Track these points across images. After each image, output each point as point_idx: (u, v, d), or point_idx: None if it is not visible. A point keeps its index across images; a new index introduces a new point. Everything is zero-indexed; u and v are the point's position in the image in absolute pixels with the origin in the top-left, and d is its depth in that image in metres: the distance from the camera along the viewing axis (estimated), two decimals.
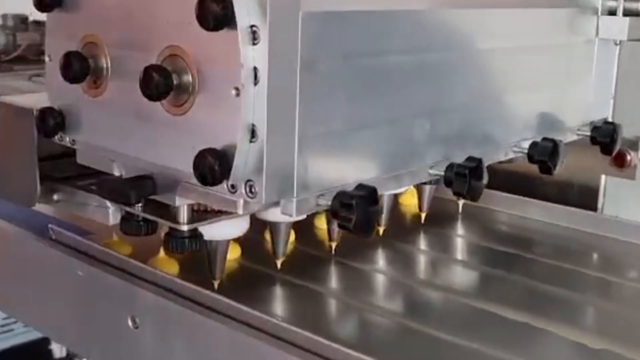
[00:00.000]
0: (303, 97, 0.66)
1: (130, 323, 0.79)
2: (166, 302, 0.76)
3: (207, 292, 0.75)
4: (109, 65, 0.74)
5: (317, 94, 0.68)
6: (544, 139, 0.92)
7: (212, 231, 0.79)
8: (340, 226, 0.68)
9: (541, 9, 0.99)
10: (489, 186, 1.16)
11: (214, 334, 0.73)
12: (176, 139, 0.68)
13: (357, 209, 0.66)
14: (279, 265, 0.88)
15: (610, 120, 1.13)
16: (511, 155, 0.93)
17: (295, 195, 0.67)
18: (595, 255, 1.07)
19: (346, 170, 0.72)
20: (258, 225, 0.86)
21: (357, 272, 0.93)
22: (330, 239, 0.94)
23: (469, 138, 0.88)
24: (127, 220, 0.79)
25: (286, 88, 0.65)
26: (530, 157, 0.92)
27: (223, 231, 0.80)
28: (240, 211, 0.67)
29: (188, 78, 0.67)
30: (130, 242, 0.91)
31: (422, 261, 1.04)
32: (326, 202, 0.68)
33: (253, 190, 0.66)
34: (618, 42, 1.05)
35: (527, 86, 0.98)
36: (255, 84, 0.63)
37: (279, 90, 0.64)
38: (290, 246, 0.93)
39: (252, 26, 0.63)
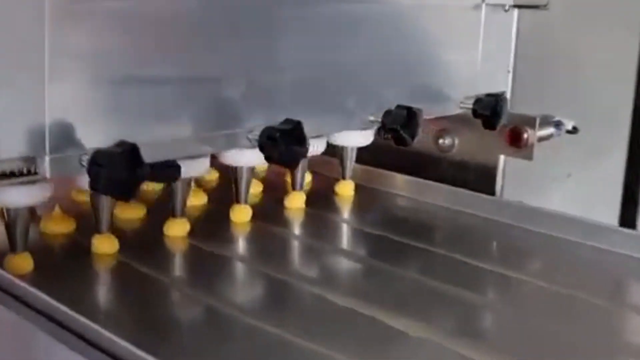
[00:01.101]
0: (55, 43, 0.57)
1: None
2: None
3: None
4: None
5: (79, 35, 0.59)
6: (398, 106, 0.82)
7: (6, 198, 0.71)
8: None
9: None
10: (385, 166, 1.10)
11: None
12: None
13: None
14: None
15: (506, 95, 1.03)
16: (364, 126, 0.84)
17: (47, 152, 0.59)
18: (492, 245, 0.95)
19: (122, 128, 0.63)
20: None
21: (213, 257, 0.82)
22: None
23: (305, 103, 0.78)
24: None
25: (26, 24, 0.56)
26: (383, 125, 0.82)
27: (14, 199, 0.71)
28: None
29: None
30: None
31: (293, 249, 0.92)
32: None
33: None
34: (507, 8, 0.95)
35: (393, 51, 0.89)
36: None
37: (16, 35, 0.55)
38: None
39: None
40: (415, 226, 0.97)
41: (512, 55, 1.03)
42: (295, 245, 0.92)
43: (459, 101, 0.97)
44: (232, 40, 0.70)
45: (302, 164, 0.97)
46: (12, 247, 0.75)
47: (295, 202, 1.00)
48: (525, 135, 1.02)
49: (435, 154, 1.11)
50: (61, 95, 0.59)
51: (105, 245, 0.78)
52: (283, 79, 0.76)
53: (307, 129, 0.75)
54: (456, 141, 1.10)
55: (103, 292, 0.75)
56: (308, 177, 1.10)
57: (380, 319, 0.67)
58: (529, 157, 1.03)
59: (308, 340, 0.62)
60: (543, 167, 1.18)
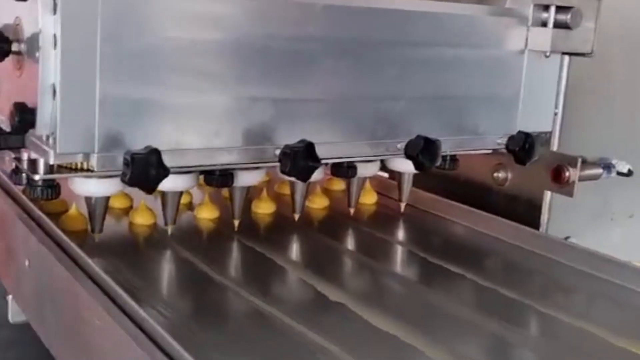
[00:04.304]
0: (106, 65, 0.76)
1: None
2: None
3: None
4: None
5: (123, 63, 0.77)
6: (418, 136, 0.95)
7: (83, 187, 0.91)
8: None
9: (466, 15, 1.01)
10: (447, 193, 1.21)
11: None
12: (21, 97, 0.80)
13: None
14: None
15: (555, 135, 1.12)
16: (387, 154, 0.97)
17: (96, 150, 0.77)
18: (532, 279, 1.03)
19: (159, 135, 0.81)
20: None
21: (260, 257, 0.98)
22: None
23: (335, 128, 0.93)
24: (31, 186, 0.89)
25: (84, 55, 0.75)
26: (405, 152, 0.95)
27: (92, 188, 0.91)
28: (51, 160, 0.78)
29: (20, 45, 0.79)
30: None
31: (342, 261, 1.05)
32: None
33: (55, 141, 0.76)
34: (548, 54, 1.04)
35: (438, 91, 1.01)
36: (55, 49, 0.74)
37: (75, 56, 0.75)
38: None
39: None
40: (460, 252, 1.07)
41: (561, 97, 1.11)
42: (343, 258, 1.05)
43: (497, 138, 1.06)
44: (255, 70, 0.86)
45: (357, 184, 1.11)
46: (92, 229, 0.94)
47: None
48: (566, 174, 1.09)
49: (492, 186, 1.21)
50: (116, 108, 0.77)
51: None
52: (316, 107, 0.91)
53: (348, 152, 0.93)
54: (509, 175, 1.19)
55: None
56: (375, 197, 1.24)
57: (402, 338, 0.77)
58: (570, 194, 1.10)
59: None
60: (603, 206, 1.24)
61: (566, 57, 1.10)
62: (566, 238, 1.17)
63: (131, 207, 1.12)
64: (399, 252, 1.09)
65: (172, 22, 0.80)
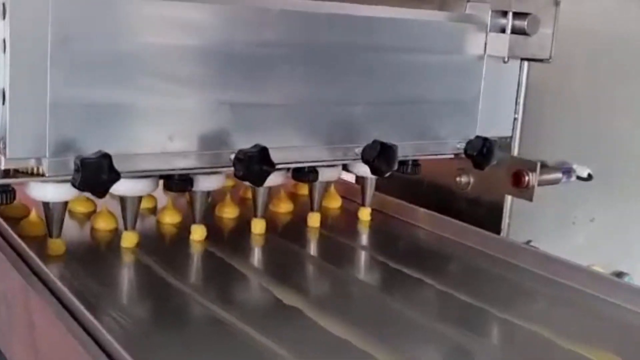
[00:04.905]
0: (56, 70, 0.75)
1: None
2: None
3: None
4: None
5: (74, 68, 0.77)
6: (374, 141, 0.95)
7: (39, 192, 0.90)
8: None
9: (425, 21, 1.02)
10: (410, 197, 1.21)
11: None
12: None
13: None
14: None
15: (515, 140, 1.13)
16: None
17: (47, 155, 0.77)
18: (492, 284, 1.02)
19: (112, 139, 0.80)
20: None
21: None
22: None
23: (292, 132, 0.93)
24: None
25: (34, 60, 0.75)
26: (362, 157, 0.95)
27: (48, 194, 0.90)
28: (2, 165, 0.78)
29: None
30: None
31: (301, 266, 1.04)
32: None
33: (5, 146, 0.76)
34: (506, 59, 1.05)
35: (396, 96, 1.02)
36: (5, 53, 0.74)
37: (24, 60, 0.74)
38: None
39: (3, 3, 0.73)
40: (421, 257, 1.07)
41: (521, 102, 1.12)
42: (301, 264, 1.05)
43: (457, 143, 1.06)
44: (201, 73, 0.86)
45: (319, 188, 1.12)
46: (50, 234, 0.94)
47: (313, 221, 1.13)
48: (526, 178, 1.10)
49: (455, 190, 1.21)
50: (68, 113, 0.77)
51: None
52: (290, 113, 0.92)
53: (306, 156, 0.94)
54: (471, 179, 1.19)
55: None
56: (339, 202, 1.24)
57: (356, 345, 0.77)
58: (530, 198, 1.11)
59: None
60: (565, 210, 1.25)
61: (525, 63, 1.10)
62: (528, 242, 1.18)
63: (94, 211, 1.11)
64: (360, 257, 1.09)
65: (123, 26, 0.80)
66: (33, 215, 1.02)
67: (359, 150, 0.97)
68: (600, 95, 1.22)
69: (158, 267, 0.94)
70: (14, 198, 0.87)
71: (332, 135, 0.98)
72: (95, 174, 0.76)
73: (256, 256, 1.05)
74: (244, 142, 0.89)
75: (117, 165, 0.78)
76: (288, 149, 0.93)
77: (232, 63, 0.88)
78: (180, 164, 0.86)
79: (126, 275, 0.95)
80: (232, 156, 0.88)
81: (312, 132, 0.96)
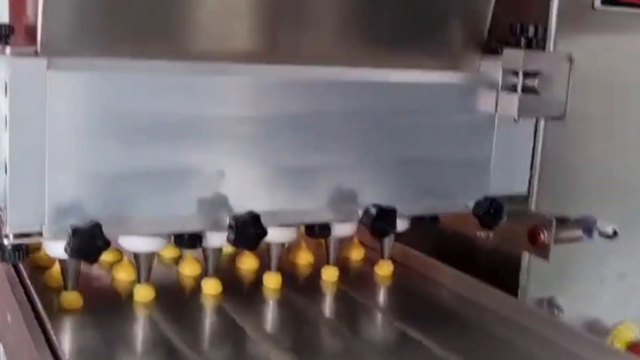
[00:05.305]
0: (54, 143, 0.81)
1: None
2: None
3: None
4: None
5: (70, 140, 0.82)
6: (373, 205, 0.96)
7: (53, 250, 0.96)
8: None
9: (437, 83, 1.04)
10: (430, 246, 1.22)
11: None
12: None
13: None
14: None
15: (532, 195, 1.12)
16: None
17: (46, 222, 0.82)
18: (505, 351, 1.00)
19: (107, 206, 0.85)
20: None
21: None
22: None
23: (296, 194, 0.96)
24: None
25: (33, 134, 0.80)
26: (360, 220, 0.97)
27: (59, 251, 0.95)
28: (7, 230, 0.83)
29: None
30: None
31: (311, 325, 1.04)
32: None
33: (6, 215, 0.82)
34: (516, 119, 1.05)
35: (405, 155, 1.03)
36: (6, 128, 0.80)
37: (23, 135, 0.80)
38: None
39: (5, 82, 0.79)
40: (438, 321, 1.05)
41: (538, 158, 1.11)
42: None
43: (467, 201, 1.07)
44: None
45: (334, 243, 1.14)
46: (65, 287, 1.00)
47: (328, 276, 1.15)
48: (542, 236, 1.09)
49: (477, 242, 1.21)
50: (64, 182, 0.82)
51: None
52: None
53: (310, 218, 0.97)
54: (491, 234, 1.19)
55: None
56: (362, 253, 1.26)
57: None
58: (546, 257, 1.09)
59: None
60: (591, 265, 1.22)
61: (542, 120, 1.10)
62: (550, 298, 1.17)
63: (119, 261, 1.16)
64: (375, 320, 1.08)
65: (117, 99, 0.84)
66: (56, 267, 1.08)
67: (361, 211, 0.98)
68: (624, 144, 1.19)
69: (167, 325, 0.97)
70: (27, 254, 0.93)
71: (336, 197, 0.99)
72: (86, 242, 0.80)
73: (267, 316, 1.06)
74: (247, 204, 0.92)
75: (115, 230, 0.82)
76: (289, 210, 0.95)
77: (232, 131, 0.91)
78: (176, 228, 0.91)
79: (132, 333, 0.98)
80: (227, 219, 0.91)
81: (317, 194, 0.98)
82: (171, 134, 0.88)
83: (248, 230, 0.88)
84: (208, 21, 0.89)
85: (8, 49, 0.80)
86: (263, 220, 0.89)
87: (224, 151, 0.91)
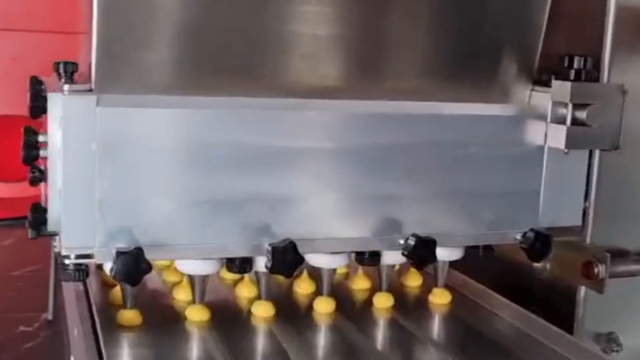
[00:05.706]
0: (103, 172, 0.88)
1: None
2: None
3: None
4: None
5: (118, 169, 0.89)
6: (412, 235, 0.98)
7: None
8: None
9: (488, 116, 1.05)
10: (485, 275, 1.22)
11: None
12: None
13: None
14: None
15: (587, 228, 1.11)
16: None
17: (96, 245, 0.89)
18: None
19: (151, 231, 0.91)
20: None
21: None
22: None
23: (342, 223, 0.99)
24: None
25: (84, 164, 0.87)
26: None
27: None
28: (63, 252, 0.91)
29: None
30: None
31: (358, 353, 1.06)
32: None
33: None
34: (566, 151, 1.04)
35: (453, 187, 1.05)
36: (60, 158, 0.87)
37: (75, 165, 0.87)
38: None
39: (60, 117, 0.87)
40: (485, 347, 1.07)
41: (592, 189, 1.09)
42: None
43: (516, 234, 1.07)
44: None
45: (386, 270, 1.16)
46: (124, 304, 1.06)
47: (380, 302, 1.17)
48: (596, 270, 1.08)
49: (532, 272, 1.20)
50: (111, 209, 0.89)
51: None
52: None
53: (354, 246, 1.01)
54: (548, 266, 1.18)
55: None
56: (419, 280, 1.27)
57: None
58: (600, 291, 1.08)
59: None
60: None
61: (596, 150, 1.08)
62: (608, 333, 1.14)
63: (180, 282, 1.22)
64: (424, 348, 1.09)
65: (157, 135, 0.90)
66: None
67: (403, 241, 1.00)
68: None
69: (214, 344, 1.02)
70: (87, 275, 1.00)
71: (384, 226, 1.02)
72: (129, 266, 0.86)
73: (314, 341, 1.09)
74: (290, 232, 0.96)
75: (158, 254, 0.89)
76: (334, 238, 0.99)
77: (274, 160, 0.96)
78: (217, 254, 0.96)
79: (180, 353, 1.02)
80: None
81: (368, 223, 1.01)
82: (212, 165, 0.93)
83: (286, 257, 0.91)
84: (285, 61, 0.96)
85: (66, 87, 0.87)
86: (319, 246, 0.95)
87: (291, 181, 0.96)
